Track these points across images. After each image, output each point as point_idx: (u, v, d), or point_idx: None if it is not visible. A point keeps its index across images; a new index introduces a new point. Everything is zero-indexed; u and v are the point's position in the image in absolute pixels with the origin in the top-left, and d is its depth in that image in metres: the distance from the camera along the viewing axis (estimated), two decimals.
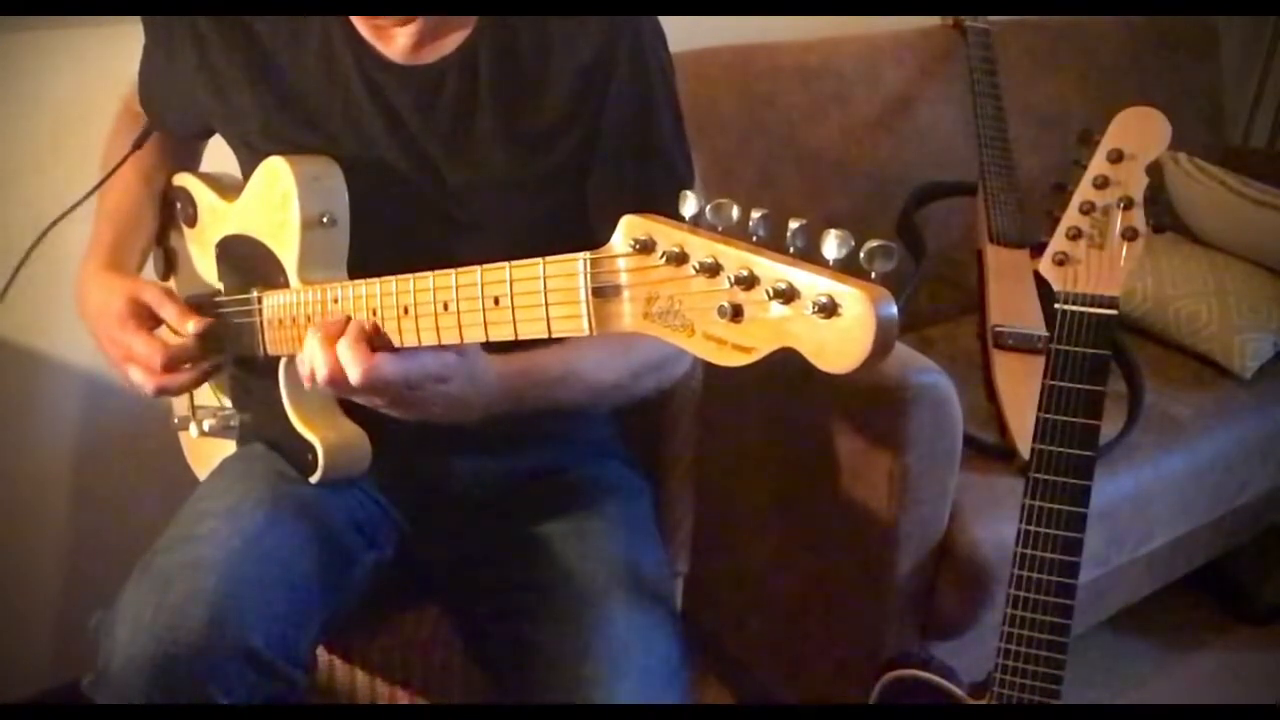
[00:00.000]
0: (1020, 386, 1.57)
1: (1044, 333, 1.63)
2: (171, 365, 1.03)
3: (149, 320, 1.06)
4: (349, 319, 0.86)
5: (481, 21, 0.99)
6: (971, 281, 1.77)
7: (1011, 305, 1.68)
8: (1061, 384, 1.06)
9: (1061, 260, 1.06)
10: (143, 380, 1.04)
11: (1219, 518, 1.75)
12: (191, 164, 1.21)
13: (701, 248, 0.62)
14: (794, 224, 0.61)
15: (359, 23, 0.99)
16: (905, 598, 1.42)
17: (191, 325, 1.03)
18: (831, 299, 0.57)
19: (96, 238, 1.13)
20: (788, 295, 0.59)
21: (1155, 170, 1.05)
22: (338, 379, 0.84)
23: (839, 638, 1.50)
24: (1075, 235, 1.06)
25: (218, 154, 1.16)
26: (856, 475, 1.38)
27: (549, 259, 0.71)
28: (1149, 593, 1.81)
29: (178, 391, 1.09)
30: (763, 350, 0.61)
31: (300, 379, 0.89)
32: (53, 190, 1.14)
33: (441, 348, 0.83)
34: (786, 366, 0.61)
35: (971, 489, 1.43)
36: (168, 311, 1.05)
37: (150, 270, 1.20)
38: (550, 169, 1.01)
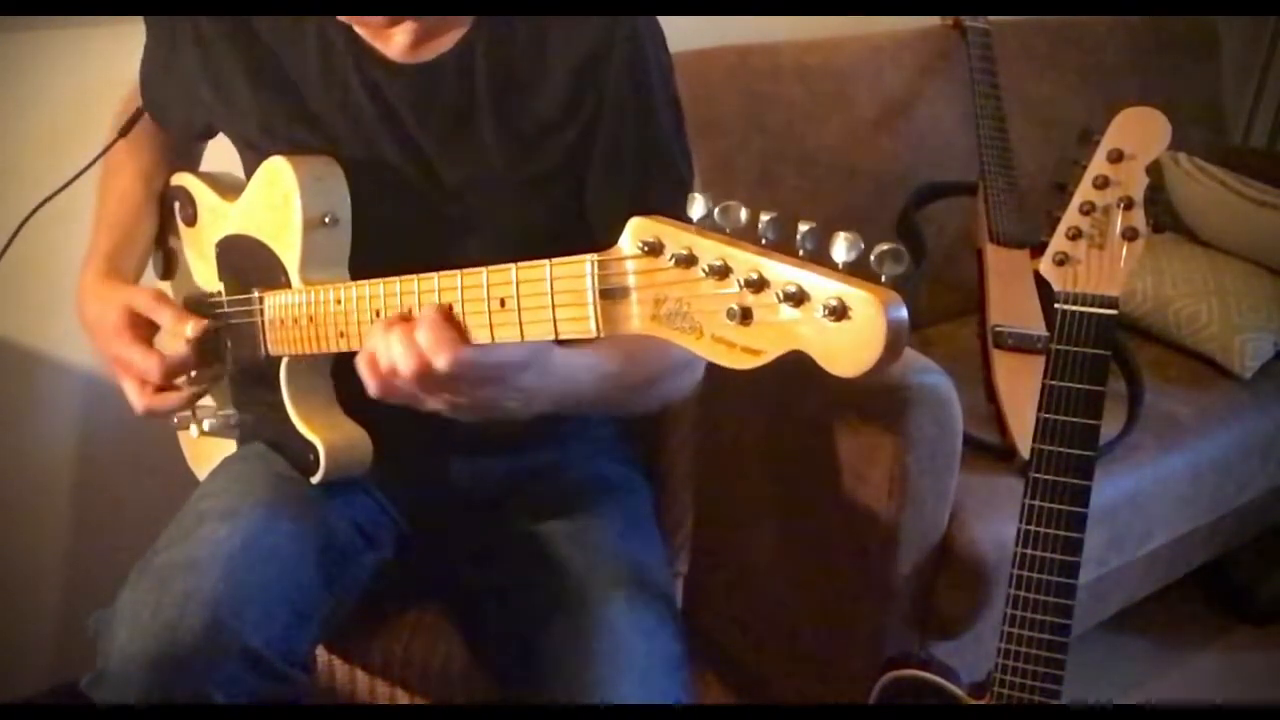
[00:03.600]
0: (1020, 386, 1.57)
1: (1044, 333, 1.63)
2: (169, 376, 1.02)
3: (146, 329, 1.05)
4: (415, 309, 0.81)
5: (479, 19, 0.99)
6: (971, 281, 1.76)
7: (1011, 305, 1.68)
8: (1061, 384, 1.06)
9: (1061, 260, 1.06)
10: (134, 397, 1.04)
11: (1219, 518, 1.75)
12: (190, 164, 1.21)
13: (711, 250, 0.62)
14: (803, 226, 0.60)
15: (354, 21, 0.99)
16: (905, 598, 1.42)
17: (189, 328, 1.02)
18: (842, 302, 0.57)
19: (94, 246, 1.13)
20: (798, 298, 0.59)
21: (1155, 170, 1.05)
22: (424, 368, 0.78)
23: (839, 638, 1.50)
24: (1075, 235, 1.06)
25: (218, 154, 1.16)
26: (856, 475, 1.38)
27: (556, 260, 0.71)
28: (1149, 593, 1.81)
29: (166, 412, 1.08)
30: (772, 353, 0.61)
31: (363, 373, 0.83)
32: (52, 190, 1.13)
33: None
34: (787, 366, 0.61)
35: (971, 489, 1.43)
36: (163, 316, 1.04)
37: (150, 272, 1.20)
38: (548, 167, 1.01)
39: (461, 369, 0.78)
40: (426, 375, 0.79)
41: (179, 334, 1.03)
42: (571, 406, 0.95)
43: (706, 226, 0.64)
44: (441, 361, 0.77)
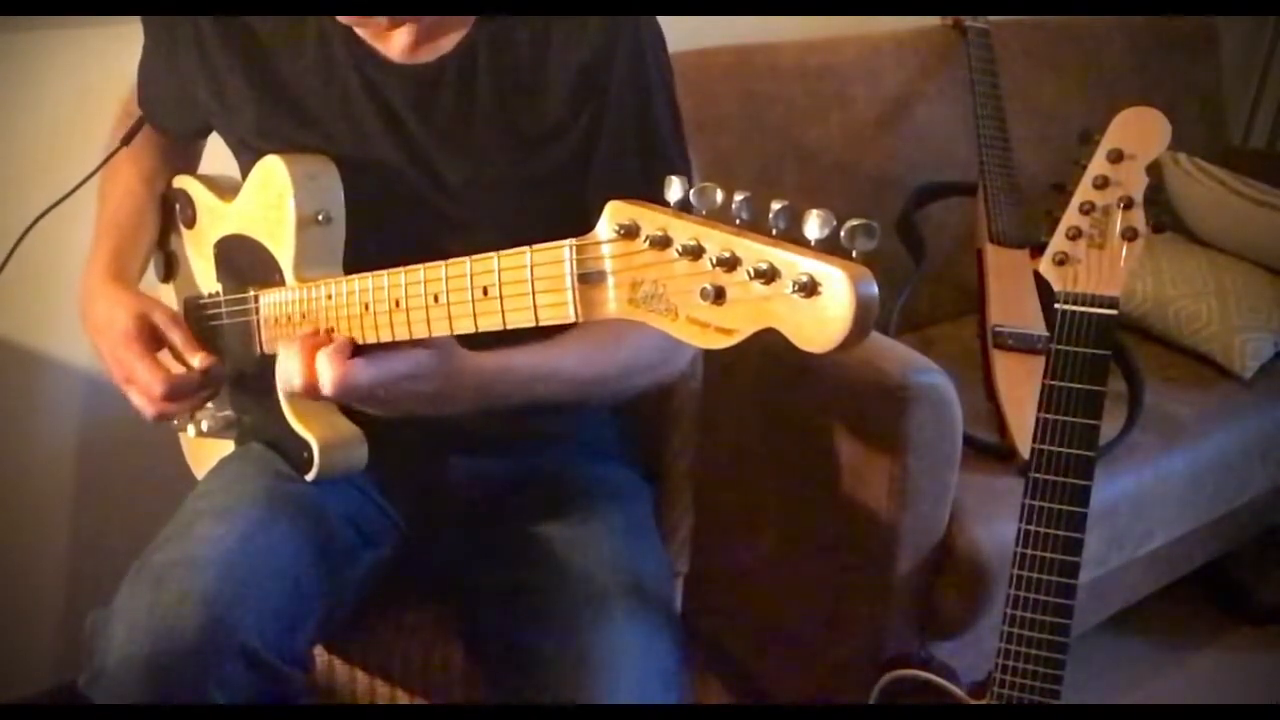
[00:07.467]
0: (1020, 386, 1.57)
1: (1044, 333, 1.63)
2: (171, 395, 1.03)
3: (154, 343, 1.06)
4: (329, 330, 0.88)
5: (480, 20, 0.99)
6: (971, 281, 1.76)
7: (1011, 305, 1.68)
8: (1061, 384, 1.06)
9: (1061, 260, 1.06)
10: (142, 405, 1.05)
11: (1219, 518, 1.75)
12: (190, 166, 1.21)
13: (684, 231, 0.63)
14: (776, 205, 0.61)
15: (353, 22, 0.99)
16: (905, 598, 1.42)
17: (198, 360, 1.04)
18: (812, 278, 0.57)
19: (98, 247, 1.13)
20: (769, 275, 0.59)
21: (1155, 170, 1.05)
22: (311, 387, 0.86)
23: (839, 638, 1.50)
24: (1075, 235, 1.06)
25: (218, 155, 1.16)
26: (856, 475, 1.38)
27: (535, 247, 0.72)
28: (1149, 593, 1.81)
29: (175, 416, 1.09)
30: (745, 331, 0.61)
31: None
32: (52, 191, 1.14)
33: (413, 345, 0.84)
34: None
35: (971, 489, 1.43)
36: (176, 338, 1.06)
37: (150, 273, 1.20)
38: (548, 169, 1.01)
39: (345, 389, 0.85)
40: (314, 392, 0.86)
41: (188, 362, 1.05)
42: (511, 405, 0.96)
43: (683, 209, 0.64)
44: (327, 382, 0.84)
